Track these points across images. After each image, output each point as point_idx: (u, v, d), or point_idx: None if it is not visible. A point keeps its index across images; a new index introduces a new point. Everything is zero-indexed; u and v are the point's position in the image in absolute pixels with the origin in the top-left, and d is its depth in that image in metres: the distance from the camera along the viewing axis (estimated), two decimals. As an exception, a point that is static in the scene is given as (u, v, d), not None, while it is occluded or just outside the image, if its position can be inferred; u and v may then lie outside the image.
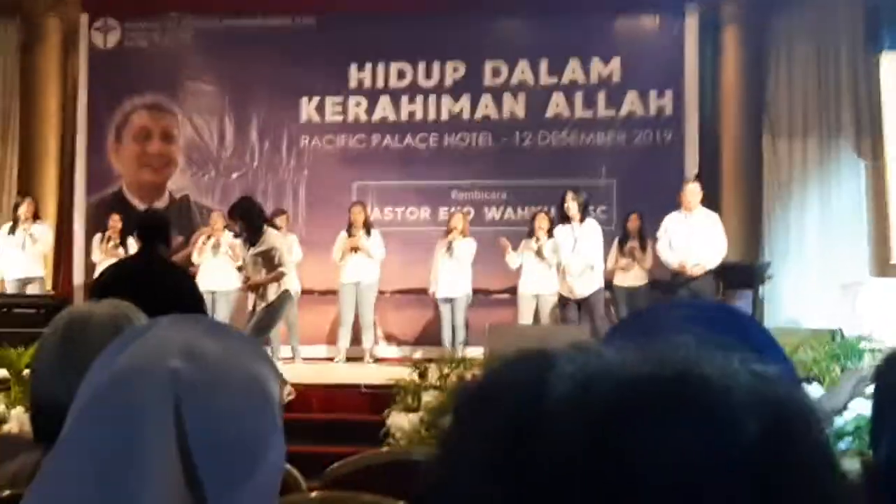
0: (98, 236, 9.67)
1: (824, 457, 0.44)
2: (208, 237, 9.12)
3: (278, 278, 6.62)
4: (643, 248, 8.86)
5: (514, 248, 8.59)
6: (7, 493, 1.63)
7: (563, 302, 8.09)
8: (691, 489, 0.40)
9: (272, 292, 6.64)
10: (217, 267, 8.75)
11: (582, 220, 7.96)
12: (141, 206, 10.30)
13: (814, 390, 5.33)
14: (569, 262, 7.92)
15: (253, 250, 6.65)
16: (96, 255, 9.47)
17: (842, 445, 4.17)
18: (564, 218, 8.05)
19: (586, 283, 7.88)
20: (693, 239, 7.85)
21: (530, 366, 0.47)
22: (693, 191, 8.07)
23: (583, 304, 7.93)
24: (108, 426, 0.94)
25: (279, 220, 9.00)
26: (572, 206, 7.93)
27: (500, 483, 0.43)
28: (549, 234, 8.39)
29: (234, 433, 0.96)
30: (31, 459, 1.68)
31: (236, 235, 6.98)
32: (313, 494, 1.75)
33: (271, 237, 6.70)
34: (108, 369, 0.98)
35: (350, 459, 2.36)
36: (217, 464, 0.94)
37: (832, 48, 9.63)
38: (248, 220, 6.66)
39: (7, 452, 1.79)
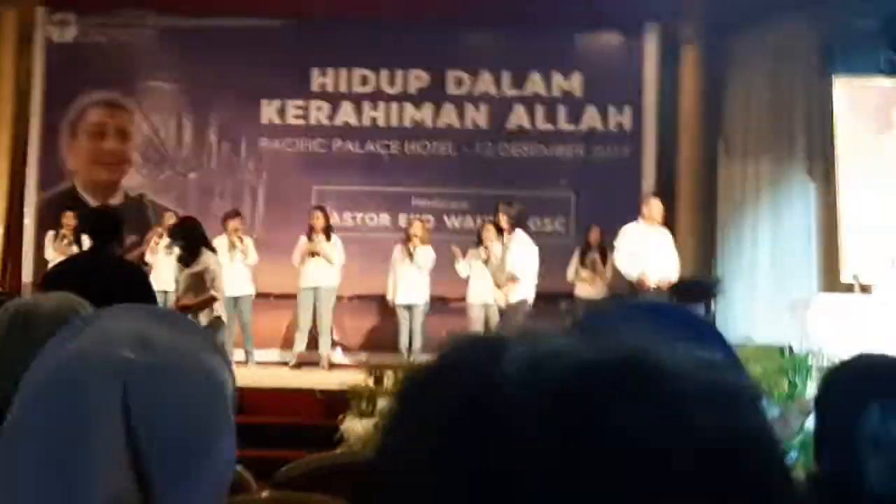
0: (51, 233, 9.50)
1: (768, 436, 0.45)
2: (160, 237, 9.02)
3: (209, 303, 6.50)
4: (604, 260, 8.98)
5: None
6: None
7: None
8: (640, 467, 0.41)
9: (203, 317, 6.52)
10: (170, 267, 8.61)
11: (511, 231, 8.08)
12: (94, 203, 10.16)
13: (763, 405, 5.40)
14: (494, 272, 8.06)
15: (187, 270, 6.57)
16: (49, 253, 9.30)
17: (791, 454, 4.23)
18: (498, 229, 8.19)
19: (511, 293, 7.96)
20: (651, 251, 8.00)
21: (481, 349, 0.48)
22: (659, 206, 8.27)
23: (503, 314, 8.06)
24: (56, 415, 0.93)
25: (235, 223, 8.92)
26: (503, 218, 8.07)
27: (451, 465, 0.43)
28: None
29: (184, 424, 0.95)
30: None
31: (178, 258, 6.90)
32: (263, 494, 1.73)
33: (208, 259, 6.61)
34: (57, 357, 0.97)
35: (300, 461, 2.35)
36: (165, 454, 0.93)
37: (787, 71, 9.79)
38: (188, 241, 6.61)
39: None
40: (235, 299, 8.80)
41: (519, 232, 8.18)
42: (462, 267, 8.61)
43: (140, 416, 0.92)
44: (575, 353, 0.45)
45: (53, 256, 9.00)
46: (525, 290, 8.08)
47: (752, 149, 9.96)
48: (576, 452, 0.41)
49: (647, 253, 8.04)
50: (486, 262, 8.45)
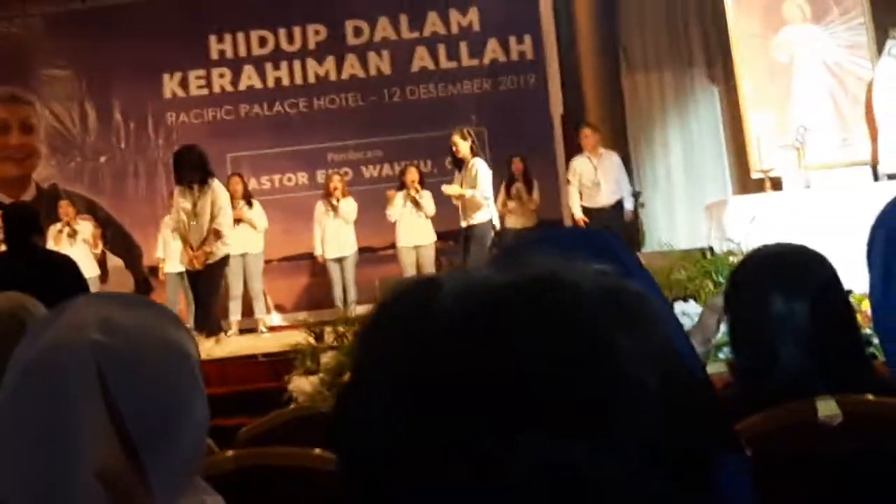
0: None
1: (658, 325, 0.56)
2: (62, 227, 8.88)
3: None
4: (529, 190, 9.13)
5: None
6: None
7: None
8: (557, 356, 0.52)
9: None
10: (77, 257, 8.41)
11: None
12: (7, 200, 9.92)
13: (691, 307, 5.64)
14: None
15: None
16: None
17: (721, 355, 4.44)
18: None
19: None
20: (600, 180, 8.37)
21: (419, 290, 0.57)
22: (588, 133, 8.52)
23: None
24: (39, 401, 1.00)
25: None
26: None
27: (408, 395, 0.52)
28: (422, 185, 8.61)
29: (158, 392, 1.03)
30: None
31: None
32: (229, 453, 1.83)
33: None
34: (32, 349, 1.04)
35: (258, 421, 2.43)
36: (146, 425, 1.01)
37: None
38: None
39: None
40: (181, 274, 8.80)
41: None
42: (392, 212, 8.70)
43: (117, 392, 1.00)
44: (495, 280, 0.56)
45: None
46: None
47: (653, 60, 10.17)
48: (505, 361, 0.51)
49: (597, 182, 8.40)
50: (415, 204, 8.55)
